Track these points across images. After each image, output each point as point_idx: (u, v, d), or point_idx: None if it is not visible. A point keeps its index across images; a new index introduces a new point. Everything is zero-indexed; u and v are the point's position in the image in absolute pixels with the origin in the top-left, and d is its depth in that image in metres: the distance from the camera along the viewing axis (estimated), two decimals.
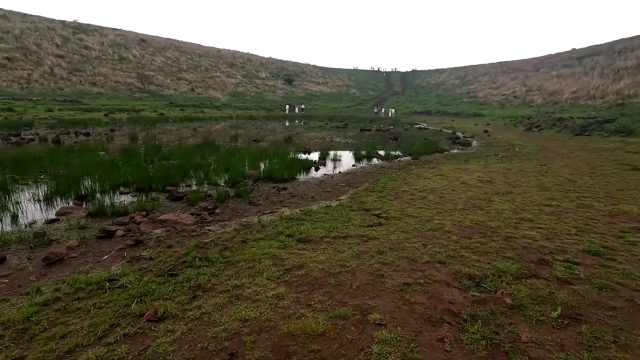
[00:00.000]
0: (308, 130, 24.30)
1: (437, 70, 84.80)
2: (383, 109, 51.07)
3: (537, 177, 8.35)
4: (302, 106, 50.12)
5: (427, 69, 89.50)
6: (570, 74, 56.51)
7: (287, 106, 47.94)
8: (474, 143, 18.07)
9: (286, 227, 4.73)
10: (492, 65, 77.01)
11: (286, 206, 6.03)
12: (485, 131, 24.43)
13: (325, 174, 9.23)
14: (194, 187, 7.37)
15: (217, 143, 14.78)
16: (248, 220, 5.20)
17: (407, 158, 12.47)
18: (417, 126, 31.07)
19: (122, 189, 7.10)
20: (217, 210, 5.63)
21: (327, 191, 7.18)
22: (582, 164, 10.60)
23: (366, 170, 9.77)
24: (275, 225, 4.86)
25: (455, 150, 15.23)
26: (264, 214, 5.57)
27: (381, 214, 5.37)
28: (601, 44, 67.38)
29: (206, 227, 4.85)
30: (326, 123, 31.62)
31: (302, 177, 8.97)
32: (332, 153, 12.64)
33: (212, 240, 4.36)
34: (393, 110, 49.84)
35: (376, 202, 6.11)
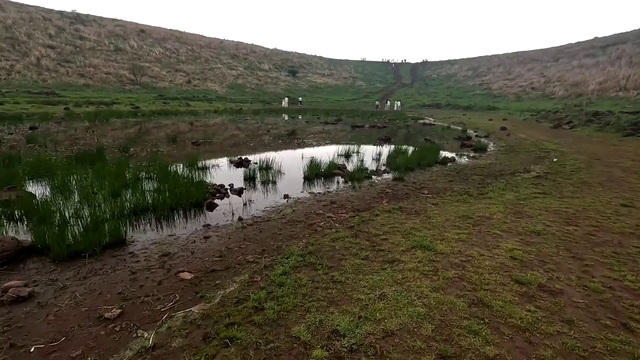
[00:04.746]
0: (287, 128, 19.57)
1: (448, 61, 77.94)
2: (388, 102, 45.63)
3: None
4: (300, 99, 45.24)
5: (438, 60, 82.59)
6: (594, 63, 49.93)
7: (286, 99, 43.09)
8: (491, 146, 13.02)
9: None
10: (507, 55, 69.96)
11: None
12: (503, 128, 19.18)
13: (206, 226, 4.58)
14: None
15: (131, 147, 10.32)
16: None
17: (386, 177, 7.67)
18: (422, 121, 25.88)
19: None
20: None
21: (103, 322, 2.55)
22: None
23: (295, 214, 5.06)
24: None
25: (465, 159, 10.30)
26: None
27: None
28: (627, 32, 59.96)
29: None
30: (318, 118, 26.76)
31: (157, 232, 4.36)
32: (275, 167, 7.98)
33: None
34: (399, 103, 44.38)
35: None
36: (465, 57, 78.45)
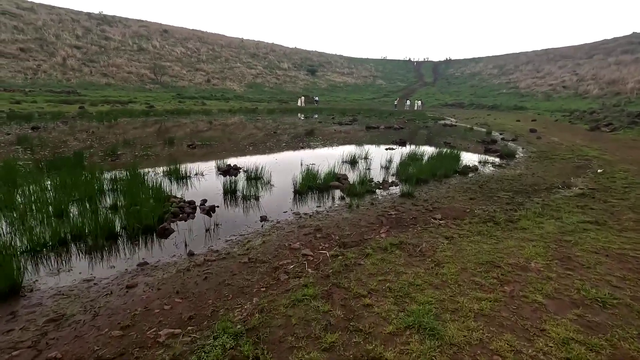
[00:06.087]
0: (298, 128, 18.46)
1: (473, 59, 74.47)
2: (408, 102, 43.68)
3: None
4: (316, 98, 44.01)
5: (462, 58, 79.17)
6: (633, 60, 45.96)
7: (303, 97, 41.99)
8: (520, 152, 11.36)
9: None
10: (535, 52, 65.95)
11: None
12: (533, 130, 17.25)
13: (141, 265, 3.46)
14: None
15: (119, 150, 9.48)
16: None
17: (393, 191, 6.36)
18: (443, 122, 24.11)
19: None
20: None
21: None
22: None
23: (263, 247, 3.89)
24: None
25: (489, 168, 8.80)
26: None
27: None
28: None
29: None
30: (332, 117, 25.50)
31: (73, 274, 3.29)
32: (265, 176, 6.86)
33: None
34: (419, 102, 42.37)
35: None
36: (491, 54, 74.61)
